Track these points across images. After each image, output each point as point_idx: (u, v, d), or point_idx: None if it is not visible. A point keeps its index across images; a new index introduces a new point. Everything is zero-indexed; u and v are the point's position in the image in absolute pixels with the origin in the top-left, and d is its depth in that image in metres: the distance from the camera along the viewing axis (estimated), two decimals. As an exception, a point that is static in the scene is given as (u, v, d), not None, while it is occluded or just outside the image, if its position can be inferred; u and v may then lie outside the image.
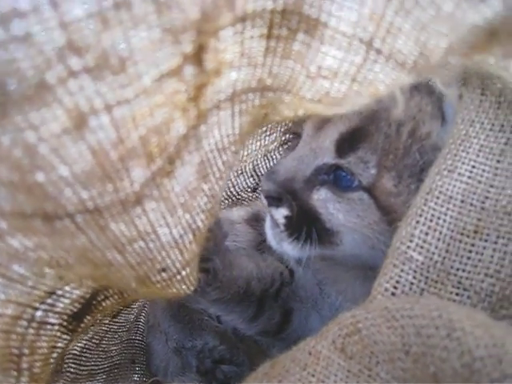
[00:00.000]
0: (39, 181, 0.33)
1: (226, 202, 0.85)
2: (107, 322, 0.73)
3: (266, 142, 0.80)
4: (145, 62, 0.34)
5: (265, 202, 0.70)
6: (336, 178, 0.66)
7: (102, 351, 0.77)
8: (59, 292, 0.52)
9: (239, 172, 0.82)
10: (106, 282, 0.52)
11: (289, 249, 0.70)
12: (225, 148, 0.48)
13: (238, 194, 0.85)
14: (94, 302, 0.57)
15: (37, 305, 0.51)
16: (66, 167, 0.33)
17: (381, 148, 0.63)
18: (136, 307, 0.81)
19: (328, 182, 0.67)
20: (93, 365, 0.75)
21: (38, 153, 0.32)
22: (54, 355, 0.56)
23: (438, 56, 0.41)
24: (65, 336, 0.57)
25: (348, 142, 0.65)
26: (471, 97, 0.52)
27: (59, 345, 0.56)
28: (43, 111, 0.31)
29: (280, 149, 0.85)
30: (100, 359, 0.77)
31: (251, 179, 0.85)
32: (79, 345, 0.73)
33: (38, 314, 0.52)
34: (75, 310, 0.55)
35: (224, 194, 0.83)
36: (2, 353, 0.48)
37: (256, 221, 0.88)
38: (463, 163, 0.50)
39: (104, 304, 0.58)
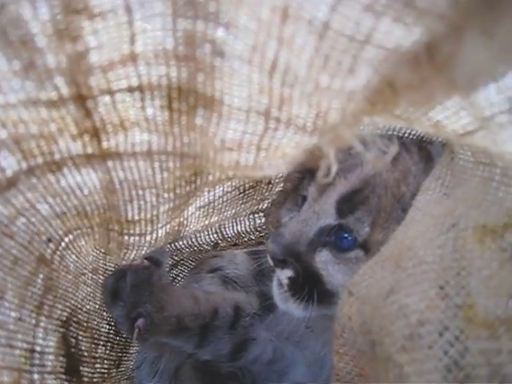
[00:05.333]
0: None
1: (187, 250, 0.86)
2: (114, 373, 0.73)
3: (239, 209, 0.81)
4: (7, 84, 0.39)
5: (271, 262, 0.73)
6: (337, 239, 0.70)
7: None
8: (37, 348, 0.54)
9: (204, 227, 0.81)
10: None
11: (293, 308, 0.73)
12: (144, 188, 0.52)
13: (200, 246, 0.86)
14: (73, 350, 0.59)
15: (28, 367, 0.53)
16: None
17: (375, 208, 0.69)
18: (134, 352, 0.82)
19: (329, 242, 0.71)
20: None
21: None
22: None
23: (335, 115, 0.41)
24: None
25: (347, 204, 0.70)
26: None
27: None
28: None
29: (251, 216, 0.86)
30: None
31: (215, 235, 0.86)
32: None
33: (36, 377, 0.54)
34: (64, 364, 0.57)
35: (185, 242, 0.84)
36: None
37: (255, 254, 0.91)
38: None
39: (82, 347, 0.60)
